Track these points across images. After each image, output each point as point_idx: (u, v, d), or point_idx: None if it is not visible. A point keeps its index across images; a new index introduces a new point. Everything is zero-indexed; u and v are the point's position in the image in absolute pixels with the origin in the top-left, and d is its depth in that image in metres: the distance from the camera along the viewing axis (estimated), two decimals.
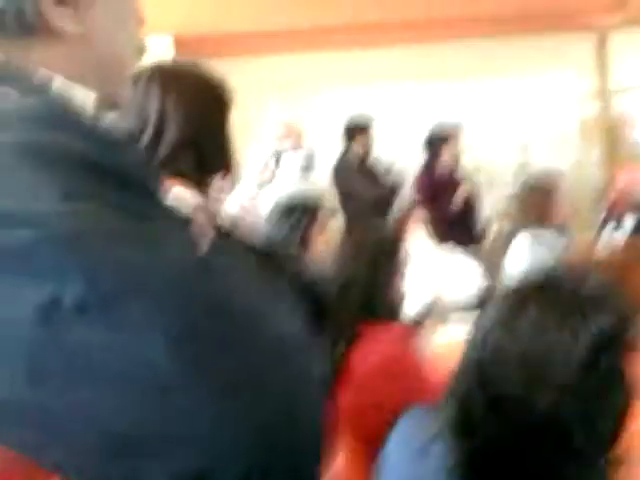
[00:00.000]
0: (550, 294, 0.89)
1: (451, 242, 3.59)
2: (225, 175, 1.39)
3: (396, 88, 5.54)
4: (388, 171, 4.89)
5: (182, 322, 0.46)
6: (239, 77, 4.96)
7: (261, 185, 1.91)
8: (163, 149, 1.27)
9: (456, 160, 4.55)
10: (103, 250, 0.46)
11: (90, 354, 0.44)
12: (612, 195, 4.74)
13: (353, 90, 5.41)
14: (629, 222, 3.83)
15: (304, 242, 2.56)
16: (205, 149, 1.31)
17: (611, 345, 0.84)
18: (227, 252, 0.59)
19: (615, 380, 0.86)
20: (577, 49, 5.95)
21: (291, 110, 5.30)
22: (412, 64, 5.52)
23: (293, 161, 1.89)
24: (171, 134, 1.27)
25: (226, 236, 0.69)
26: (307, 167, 1.91)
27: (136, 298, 0.45)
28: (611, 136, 6.12)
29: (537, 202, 3.09)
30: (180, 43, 4.65)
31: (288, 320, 0.55)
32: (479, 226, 4.64)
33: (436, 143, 4.53)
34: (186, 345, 0.46)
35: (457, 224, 4.36)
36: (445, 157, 4.51)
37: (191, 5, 4.87)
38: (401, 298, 1.91)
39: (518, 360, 0.86)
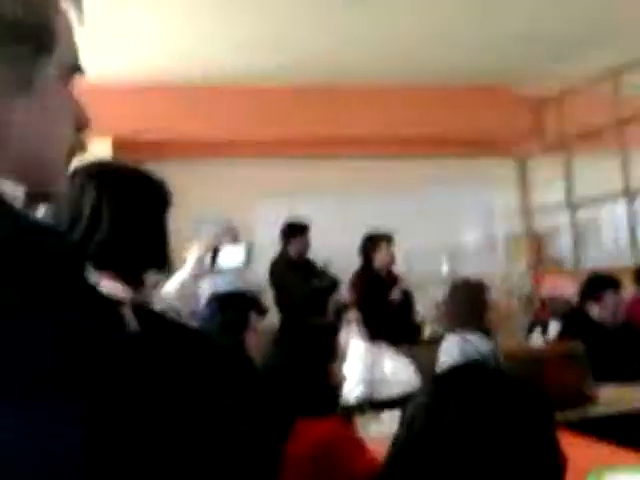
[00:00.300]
0: (470, 388, 0.94)
1: (387, 340, 3.63)
2: (159, 271, 1.40)
3: (336, 197, 5.74)
4: (324, 272, 4.98)
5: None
6: (178, 179, 5.12)
7: (197, 278, 1.91)
8: (94, 244, 1.26)
9: (390, 263, 4.68)
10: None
11: None
12: (537, 304, 4.94)
13: (291, 197, 5.56)
14: (553, 327, 3.97)
15: (239, 335, 2.53)
16: (137, 246, 1.30)
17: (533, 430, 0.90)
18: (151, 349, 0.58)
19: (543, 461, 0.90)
20: (501, 172, 6.40)
21: (231, 213, 5.40)
22: (354, 176, 5.78)
23: (232, 254, 1.92)
24: (104, 230, 1.26)
25: (156, 330, 0.67)
26: (247, 260, 1.94)
27: None
28: (535, 249, 6.47)
29: (463, 306, 3.18)
30: (118, 146, 4.73)
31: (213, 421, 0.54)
32: (414, 326, 4.70)
33: (369, 247, 4.71)
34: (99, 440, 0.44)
35: (393, 323, 4.40)
36: (378, 260, 4.65)
37: (130, 109, 5.02)
38: (339, 386, 1.90)
39: (443, 445, 0.90)
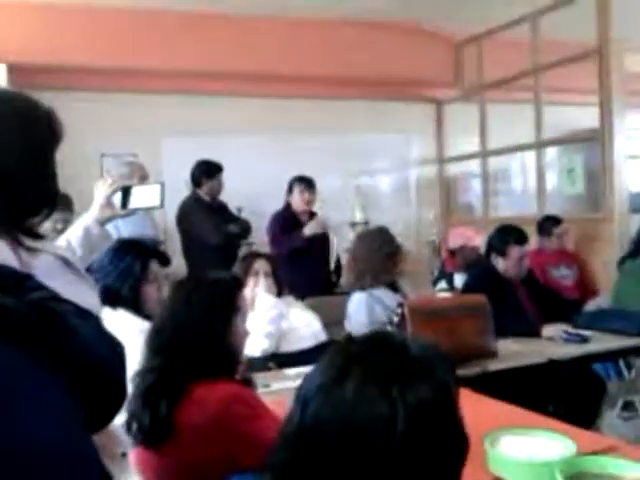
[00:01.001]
0: (371, 362, 0.87)
1: (298, 291, 3.61)
2: (46, 216, 1.24)
3: (250, 138, 5.54)
4: (237, 217, 4.87)
5: None
6: (82, 112, 4.80)
7: (105, 221, 1.76)
8: None
9: (307, 207, 4.63)
10: None
11: None
12: (444, 254, 5.02)
13: (199, 136, 5.33)
14: (459, 279, 4.05)
15: (136, 286, 2.43)
16: (14, 188, 1.12)
17: (431, 412, 0.83)
18: None
19: (438, 441, 0.84)
20: (418, 117, 6.36)
21: (136, 150, 5.13)
22: (268, 116, 5.57)
23: (144, 194, 1.77)
24: None
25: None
26: (160, 202, 1.80)
27: None
28: (445, 198, 6.56)
29: (372, 259, 3.15)
30: (15, 71, 4.34)
31: (46, 421, 0.46)
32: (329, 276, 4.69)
33: (288, 190, 4.67)
34: None
35: (309, 271, 4.39)
36: (295, 202, 4.63)
37: (27, 34, 4.61)
38: (241, 344, 1.83)
39: (340, 428, 0.82)
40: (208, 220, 4.56)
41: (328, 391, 0.85)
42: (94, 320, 0.79)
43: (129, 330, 2.06)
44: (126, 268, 2.41)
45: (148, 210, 1.90)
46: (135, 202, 1.77)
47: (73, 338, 0.67)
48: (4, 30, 4.54)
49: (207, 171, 4.72)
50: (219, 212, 4.77)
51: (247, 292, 2.61)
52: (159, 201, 1.82)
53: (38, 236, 1.18)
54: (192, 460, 1.59)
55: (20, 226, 1.14)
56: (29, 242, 1.15)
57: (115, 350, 0.77)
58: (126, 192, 1.77)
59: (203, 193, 4.75)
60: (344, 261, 4.54)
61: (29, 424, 0.45)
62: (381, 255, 3.15)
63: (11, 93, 1.23)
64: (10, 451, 0.42)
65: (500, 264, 3.49)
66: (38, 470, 0.43)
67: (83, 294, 0.83)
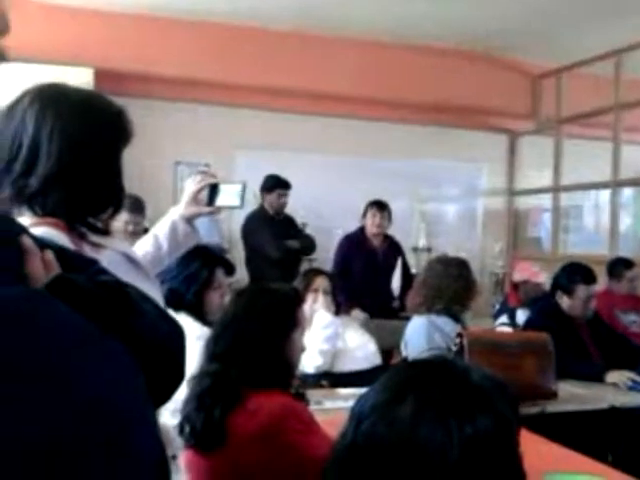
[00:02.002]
0: (430, 387, 0.85)
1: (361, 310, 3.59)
2: (113, 213, 1.26)
3: (321, 157, 5.60)
4: (301, 232, 4.91)
5: None
6: (154, 119, 4.96)
7: (191, 217, 1.72)
8: (34, 182, 1.10)
9: (379, 230, 4.65)
10: None
11: None
12: (508, 288, 4.91)
13: (274, 151, 5.41)
14: (521, 316, 3.95)
15: (201, 292, 2.46)
16: (82, 184, 1.15)
17: (488, 445, 0.81)
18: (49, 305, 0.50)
19: (494, 475, 0.82)
20: (491, 146, 6.28)
21: (208, 160, 5.26)
22: (341, 136, 5.63)
23: (228, 193, 1.74)
24: (42, 166, 1.11)
25: (68, 287, 0.59)
26: (241, 201, 1.76)
27: None
28: (513, 231, 6.43)
29: (445, 286, 3.08)
30: (101, 78, 4.53)
31: (112, 387, 0.48)
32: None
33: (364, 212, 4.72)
34: None
35: (368, 293, 4.40)
36: (369, 226, 4.67)
37: (114, 41, 4.80)
38: (297, 358, 1.84)
39: (392, 451, 0.81)
40: (268, 233, 4.63)
41: (384, 410, 0.84)
42: (155, 303, 0.81)
43: (188, 335, 2.09)
44: (193, 273, 2.43)
45: (231, 209, 1.84)
46: (220, 200, 1.71)
47: (138, 317, 0.69)
48: (93, 36, 4.75)
49: (266, 185, 4.79)
50: (282, 226, 4.82)
51: (305, 308, 2.62)
52: (239, 201, 1.74)
53: (103, 232, 1.21)
54: (240, 468, 1.60)
55: (85, 221, 1.16)
56: (94, 238, 1.18)
57: (176, 331, 0.78)
58: (214, 190, 1.71)
59: (267, 205, 4.82)
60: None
61: (100, 380, 0.46)
62: (458, 285, 3.08)
63: (82, 91, 1.24)
64: (82, 410, 0.43)
65: (565, 302, 3.39)
66: (105, 429, 0.44)
67: (145, 289, 0.85)
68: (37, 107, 1.14)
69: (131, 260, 1.27)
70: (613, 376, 3.07)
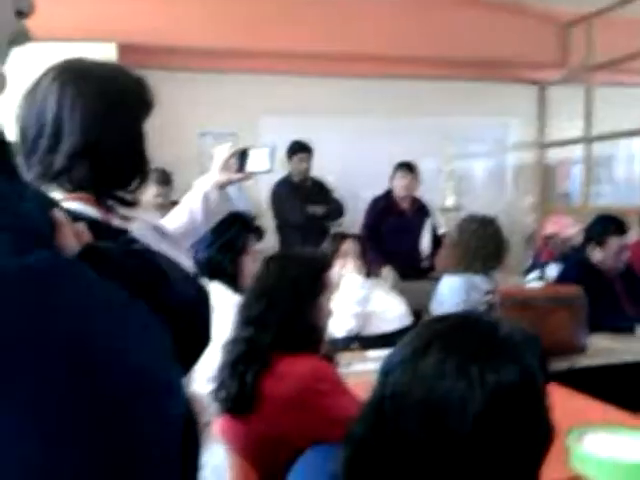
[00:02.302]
0: (455, 338, 0.86)
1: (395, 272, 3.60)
2: (139, 185, 1.28)
3: (347, 119, 5.55)
4: (328, 197, 4.90)
5: None
6: (176, 90, 4.97)
7: (222, 184, 1.70)
8: (59, 159, 1.12)
9: (407, 191, 4.62)
10: None
11: None
12: (539, 242, 4.86)
13: (300, 115, 5.38)
14: (552, 271, 3.91)
15: (236, 259, 2.49)
16: (107, 158, 1.15)
17: (510, 397, 0.81)
18: (80, 274, 0.51)
19: (518, 428, 0.82)
20: (519, 99, 6.14)
21: (234, 128, 5.26)
22: (366, 97, 5.55)
23: (258, 158, 1.72)
24: (66, 143, 1.12)
25: (99, 255, 0.61)
26: (271, 165, 1.73)
27: None
28: (543, 185, 6.32)
29: (480, 246, 3.07)
30: (125, 51, 4.54)
31: (141, 351, 0.49)
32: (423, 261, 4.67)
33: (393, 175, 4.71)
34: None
35: (401, 255, 4.41)
36: (397, 188, 4.65)
37: (135, 14, 4.79)
38: (325, 322, 1.87)
39: (417, 402, 0.82)
40: (292, 199, 4.63)
41: (409, 364, 0.85)
42: (182, 269, 0.83)
43: (224, 303, 2.14)
44: (229, 240, 2.44)
45: (262, 174, 1.80)
46: (250, 166, 1.69)
47: (167, 283, 0.71)
48: (115, 10, 4.74)
49: (288, 151, 4.75)
50: (309, 192, 4.80)
51: (334, 272, 2.64)
52: (269, 164, 1.70)
53: (132, 204, 1.22)
54: (274, 432, 1.65)
55: (112, 195, 1.18)
56: (122, 210, 1.20)
57: (202, 296, 0.80)
58: (243, 155, 1.69)
59: (292, 172, 4.80)
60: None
61: (135, 351, 0.48)
62: (494, 243, 3.08)
63: (103, 64, 1.24)
64: (119, 379, 0.45)
65: (597, 255, 3.35)
66: (139, 398, 0.46)
67: (174, 257, 0.86)
68: (58, 84, 1.15)
69: (159, 230, 1.30)
70: None
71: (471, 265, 3.02)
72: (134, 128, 1.22)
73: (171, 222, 1.59)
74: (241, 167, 1.68)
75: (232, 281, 2.44)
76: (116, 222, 1.15)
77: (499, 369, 0.81)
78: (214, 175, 1.64)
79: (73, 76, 1.17)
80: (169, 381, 0.51)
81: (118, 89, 1.20)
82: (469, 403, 0.79)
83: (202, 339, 0.80)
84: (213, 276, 2.39)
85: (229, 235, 2.44)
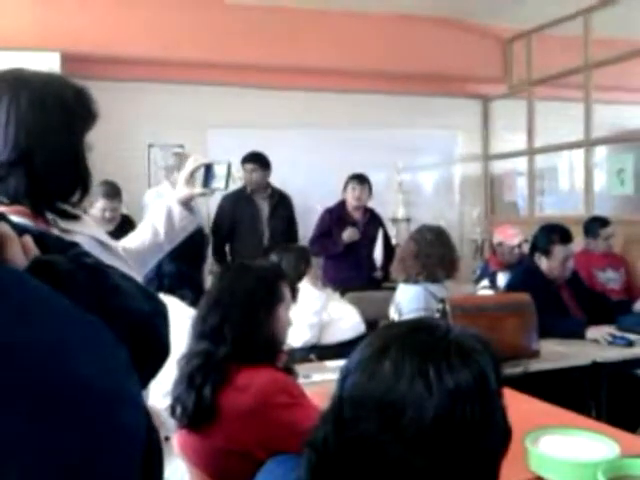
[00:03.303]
0: (413, 341, 0.87)
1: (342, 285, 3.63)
2: (81, 197, 1.23)
3: (296, 132, 5.56)
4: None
5: None
6: (124, 101, 4.89)
7: (184, 200, 1.66)
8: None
9: (358, 201, 4.65)
10: None
11: None
12: (488, 252, 4.97)
13: (247, 128, 5.36)
14: (501, 279, 4.00)
15: (200, 269, 2.46)
16: (41, 168, 1.12)
17: (467, 399, 0.81)
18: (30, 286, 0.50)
19: (475, 429, 0.83)
20: (465, 113, 6.29)
21: (181, 141, 5.20)
22: (313, 110, 5.59)
23: (220, 174, 1.70)
24: (2, 150, 1.10)
25: (49, 269, 0.60)
26: (227, 183, 1.70)
27: None
28: (490, 196, 6.47)
29: (435, 256, 3.11)
30: (67, 60, 4.45)
31: (97, 362, 0.48)
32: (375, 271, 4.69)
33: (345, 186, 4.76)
34: None
35: (354, 265, 4.43)
36: (348, 200, 4.70)
37: (80, 24, 4.71)
38: (283, 333, 1.85)
39: (373, 404, 0.82)
40: (229, 212, 4.64)
41: (367, 366, 0.85)
42: (137, 283, 0.82)
43: (178, 317, 2.10)
44: (193, 251, 2.43)
45: (220, 191, 1.76)
46: (213, 181, 1.65)
47: (120, 296, 0.70)
48: (59, 19, 4.65)
49: (243, 160, 4.67)
50: (264, 205, 4.76)
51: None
52: (224, 183, 1.66)
53: (73, 217, 1.20)
54: (234, 444, 1.62)
55: (52, 207, 1.15)
56: (64, 224, 1.17)
57: (159, 309, 0.79)
58: (208, 170, 1.65)
59: (245, 183, 4.75)
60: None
61: (81, 360, 0.47)
62: (449, 253, 3.14)
63: (41, 74, 1.21)
64: (61, 386, 0.44)
65: (544, 264, 3.44)
66: (87, 405, 0.45)
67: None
68: None
69: (102, 244, 1.26)
70: (593, 332, 3.14)
71: (432, 274, 3.08)
72: (72, 139, 1.19)
73: (135, 238, 1.56)
74: (206, 182, 1.65)
75: (199, 291, 2.42)
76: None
77: (455, 370, 0.82)
78: (178, 189, 1.61)
79: (10, 85, 1.15)
80: (122, 391, 0.50)
81: (55, 99, 1.17)
82: (427, 403, 0.80)
83: (160, 352, 0.78)
84: (181, 287, 2.36)
85: (193, 245, 2.42)
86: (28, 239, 0.63)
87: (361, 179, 4.69)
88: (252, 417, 1.61)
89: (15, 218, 1.05)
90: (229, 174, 1.67)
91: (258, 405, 1.61)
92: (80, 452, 0.44)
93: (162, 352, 0.79)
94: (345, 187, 4.72)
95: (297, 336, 2.85)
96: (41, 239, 0.67)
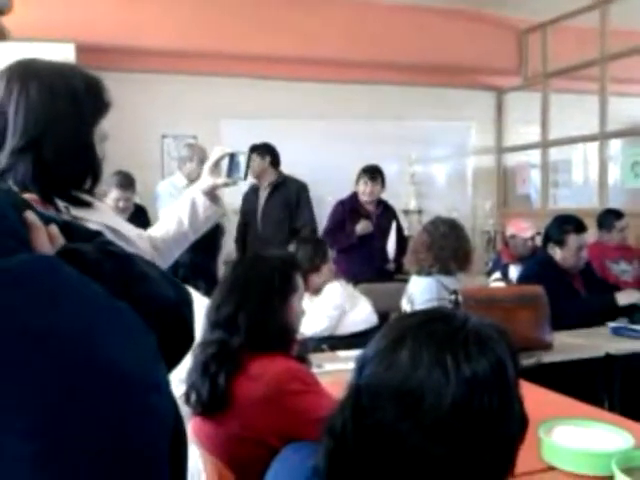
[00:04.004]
0: (429, 330, 0.87)
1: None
2: (92, 184, 1.23)
3: (309, 123, 5.56)
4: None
5: None
6: (139, 92, 4.91)
7: (208, 190, 1.66)
8: (2, 159, 1.11)
9: (370, 196, 4.62)
10: None
11: None
12: (500, 244, 4.95)
13: (260, 119, 5.37)
14: (513, 272, 3.99)
15: (215, 260, 2.47)
16: (50, 155, 1.13)
17: (485, 387, 0.82)
18: (62, 273, 0.51)
19: (493, 416, 0.83)
20: (478, 105, 6.26)
21: (194, 131, 5.22)
22: (327, 101, 5.58)
23: (241, 163, 1.69)
24: (9, 142, 1.11)
25: (77, 258, 0.60)
26: (246, 173, 1.69)
27: None
28: (503, 188, 6.45)
29: (448, 249, 3.11)
30: (82, 51, 4.46)
31: (125, 348, 0.49)
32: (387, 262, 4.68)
33: (357, 179, 4.68)
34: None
35: (368, 257, 4.42)
36: (360, 192, 4.63)
37: (95, 14, 4.72)
38: (297, 323, 1.86)
39: (391, 393, 0.83)
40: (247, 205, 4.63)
41: (384, 356, 0.86)
42: (162, 270, 0.83)
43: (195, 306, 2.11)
44: (209, 241, 2.41)
45: (241, 181, 1.74)
46: (235, 172, 1.64)
47: (146, 283, 0.70)
48: (73, 10, 4.67)
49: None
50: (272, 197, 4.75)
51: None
52: (244, 173, 1.65)
53: (86, 204, 1.21)
54: (249, 432, 1.63)
55: (63, 195, 1.16)
56: (75, 211, 1.18)
57: (183, 296, 0.80)
58: (232, 160, 1.64)
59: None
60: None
61: (111, 346, 0.48)
62: (468, 245, 3.15)
63: (53, 64, 1.23)
64: (91, 369, 0.45)
65: (558, 254, 3.42)
66: (116, 390, 0.46)
67: None
68: (4, 84, 1.14)
69: (115, 232, 1.27)
70: (624, 298, 3.18)
71: (445, 267, 3.07)
72: (82, 127, 1.20)
73: (160, 227, 1.56)
74: (230, 172, 1.64)
75: (213, 281, 2.43)
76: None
77: (472, 359, 0.82)
78: (202, 179, 1.61)
79: (20, 75, 1.16)
80: (155, 379, 0.51)
81: (64, 88, 1.18)
82: (445, 391, 0.80)
83: (185, 339, 0.79)
84: (195, 277, 2.37)
85: (208, 236, 2.43)
86: (54, 228, 0.63)
87: (373, 174, 4.60)
88: (266, 404, 1.62)
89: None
90: (248, 165, 1.66)
91: (272, 392, 1.62)
92: (111, 436, 0.45)
93: (187, 339, 0.80)
94: (357, 180, 4.68)
95: (314, 324, 2.87)
96: (67, 228, 0.68)
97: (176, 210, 1.59)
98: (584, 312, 3.10)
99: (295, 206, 4.64)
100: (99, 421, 0.44)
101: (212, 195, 1.61)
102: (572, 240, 3.39)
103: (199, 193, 1.59)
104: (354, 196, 4.70)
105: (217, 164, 1.62)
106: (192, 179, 4.11)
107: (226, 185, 1.66)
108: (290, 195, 4.66)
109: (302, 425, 1.56)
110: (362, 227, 4.49)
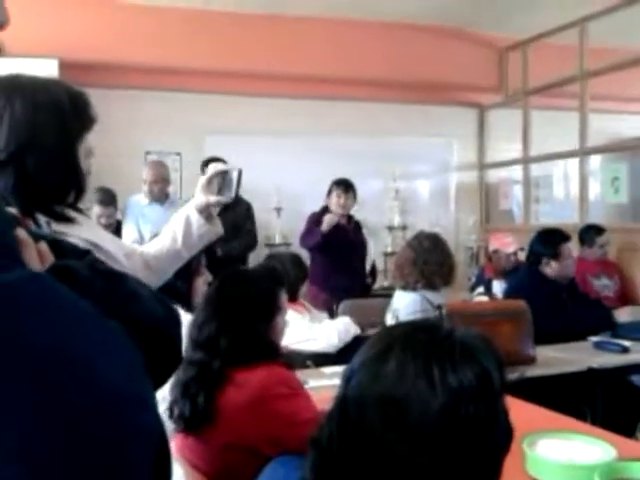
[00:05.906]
0: (416, 341, 0.87)
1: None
2: (75, 199, 1.23)
3: (293, 139, 5.57)
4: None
5: None
6: (122, 108, 4.90)
7: (201, 208, 1.63)
8: None
9: (343, 209, 4.59)
10: None
11: None
12: (483, 259, 4.98)
13: (245, 135, 5.37)
14: (497, 286, 4.01)
15: (189, 280, 2.45)
16: (31, 168, 1.13)
17: (471, 397, 0.82)
18: (51, 290, 0.51)
19: (478, 428, 0.84)
20: (460, 121, 6.32)
21: (179, 148, 5.21)
22: (310, 118, 5.60)
23: (232, 180, 1.64)
24: None
25: (68, 275, 0.60)
26: (237, 190, 1.64)
27: None
28: (486, 204, 6.50)
29: (433, 264, 3.12)
30: (66, 67, 4.46)
31: (115, 366, 0.49)
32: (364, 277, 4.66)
33: (329, 192, 4.63)
34: None
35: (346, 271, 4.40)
36: (332, 205, 4.58)
37: (79, 31, 4.73)
38: (279, 338, 1.86)
39: (377, 403, 0.83)
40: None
41: (371, 366, 0.86)
42: (151, 288, 0.83)
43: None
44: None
45: (230, 199, 1.62)
46: (226, 190, 1.59)
47: (136, 302, 0.70)
48: (57, 26, 4.67)
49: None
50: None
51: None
52: (232, 192, 1.59)
53: (67, 219, 1.20)
54: (238, 440, 1.62)
55: (45, 209, 1.16)
56: (56, 227, 1.17)
57: (172, 315, 0.80)
58: (224, 178, 1.59)
59: None
60: (380, 265, 4.56)
61: (106, 364, 0.48)
62: (448, 260, 3.16)
63: (37, 79, 1.23)
64: (80, 387, 0.45)
65: (554, 267, 3.43)
66: (111, 407, 0.46)
67: None
68: None
69: (95, 246, 1.26)
70: (622, 314, 3.34)
71: (430, 282, 3.09)
72: (65, 141, 1.20)
73: (155, 244, 1.55)
74: (220, 190, 1.60)
75: (185, 302, 2.40)
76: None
77: (458, 369, 0.83)
78: (196, 197, 1.59)
79: (4, 91, 1.16)
80: (141, 396, 0.51)
81: (48, 102, 1.18)
82: (431, 402, 0.81)
83: (173, 358, 0.79)
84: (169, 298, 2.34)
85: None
86: (44, 245, 0.63)
87: (346, 186, 4.55)
88: (253, 410, 1.61)
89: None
90: (239, 182, 1.61)
91: (258, 398, 1.61)
92: (99, 454, 0.45)
93: (175, 358, 0.80)
94: (329, 193, 4.60)
95: (293, 343, 2.85)
96: (56, 245, 0.68)
97: (172, 226, 1.58)
98: (581, 327, 3.14)
99: (237, 223, 4.47)
100: (87, 439, 0.44)
101: (207, 214, 1.58)
102: (565, 249, 3.46)
103: (193, 210, 1.57)
104: (325, 209, 4.61)
105: (210, 181, 1.59)
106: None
107: (218, 203, 1.63)
108: (236, 212, 4.43)
109: (289, 428, 1.55)
110: (328, 221, 4.36)
